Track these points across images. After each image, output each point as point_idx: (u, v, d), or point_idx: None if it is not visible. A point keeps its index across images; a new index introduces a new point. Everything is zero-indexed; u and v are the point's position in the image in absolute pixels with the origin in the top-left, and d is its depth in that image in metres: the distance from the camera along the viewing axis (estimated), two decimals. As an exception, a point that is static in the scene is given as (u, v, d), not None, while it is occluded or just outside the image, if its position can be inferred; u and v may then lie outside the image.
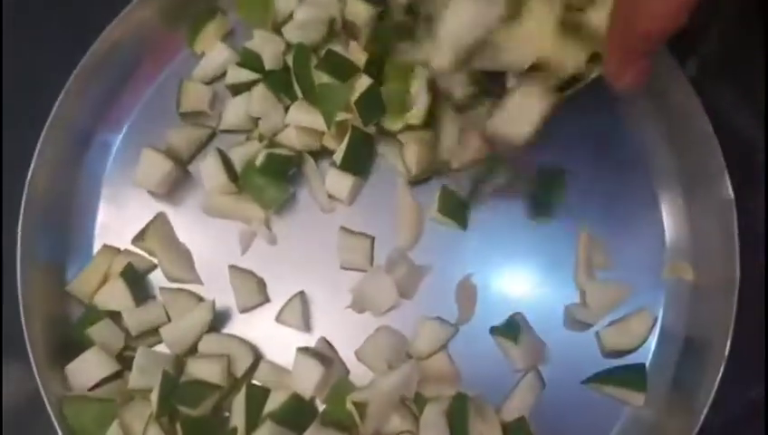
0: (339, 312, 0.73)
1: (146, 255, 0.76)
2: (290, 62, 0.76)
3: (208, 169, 0.75)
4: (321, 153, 0.76)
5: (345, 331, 0.73)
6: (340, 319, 0.73)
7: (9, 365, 0.71)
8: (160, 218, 0.76)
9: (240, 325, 0.74)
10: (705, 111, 0.70)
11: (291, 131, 0.74)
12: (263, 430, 0.66)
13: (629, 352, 0.71)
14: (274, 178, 0.74)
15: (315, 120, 0.74)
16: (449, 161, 0.73)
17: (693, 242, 0.73)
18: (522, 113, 0.60)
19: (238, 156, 0.76)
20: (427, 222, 0.74)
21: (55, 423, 0.67)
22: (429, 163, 0.73)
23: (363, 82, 0.71)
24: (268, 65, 0.76)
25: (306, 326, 0.73)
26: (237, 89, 0.78)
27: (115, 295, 0.71)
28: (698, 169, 0.72)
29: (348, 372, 0.72)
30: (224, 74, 0.78)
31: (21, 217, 0.72)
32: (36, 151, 0.73)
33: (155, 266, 0.75)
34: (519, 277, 0.73)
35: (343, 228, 0.74)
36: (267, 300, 0.74)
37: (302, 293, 0.74)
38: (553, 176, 0.74)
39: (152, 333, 0.72)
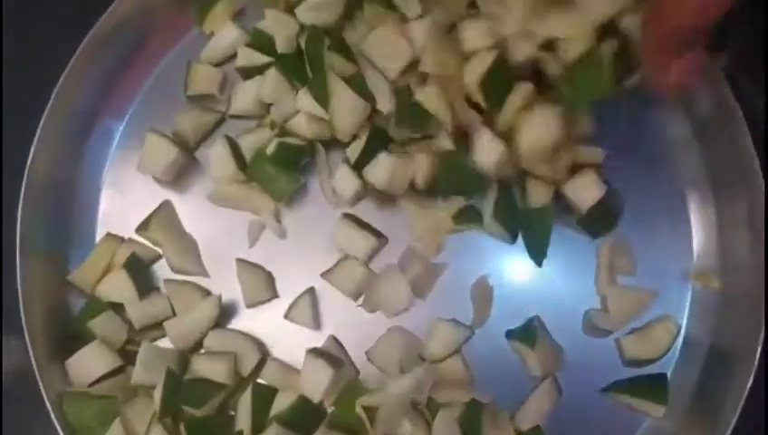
0: (350, 310, 0.71)
1: (150, 244, 0.73)
2: (303, 44, 0.72)
3: (216, 156, 0.72)
4: (335, 143, 0.72)
5: (356, 330, 0.70)
6: (351, 317, 0.70)
7: (9, 338, 0.69)
8: (166, 207, 0.73)
9: (247, 321, 0.71)
10: (739, 110, 0.67)
11: (301, 119, 0.71)
12: (269, 432, 0.64)
13: (651, 361, 0.68)
14: (285, 169, 0.71)
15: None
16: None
17: (720, 248, 0.70)
18: None
19: (248, 143, 0.72)
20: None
21: (54, 420, 0.65)
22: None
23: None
24: (281, 48, 0.72)
25: (315, 324, 0.70)
26: (248, 72, 0.74)
27: (118, 287, 0.69)
28: (730, 173, 0.69)
29: (358, 373, 0.69)
30: (234, 56, 0.75)
31: (20, 203, 0.69)
32: (37, 135, 0.70)
33: (159, 257, 0.73)
34: (537, 279, 0.70)
35: (349, 216, 0.71)
36: (276, 295, 0.71)
37: (311, 289, 0.71)
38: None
39: (156, 327, 0.70)
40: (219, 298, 0.69)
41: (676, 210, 0.71)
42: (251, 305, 0.71)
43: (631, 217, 0.71)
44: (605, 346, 0.69)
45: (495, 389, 0.68)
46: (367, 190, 0.71)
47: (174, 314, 0.70)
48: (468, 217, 0.70)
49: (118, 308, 0.69)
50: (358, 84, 0.68)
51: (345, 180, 0.70)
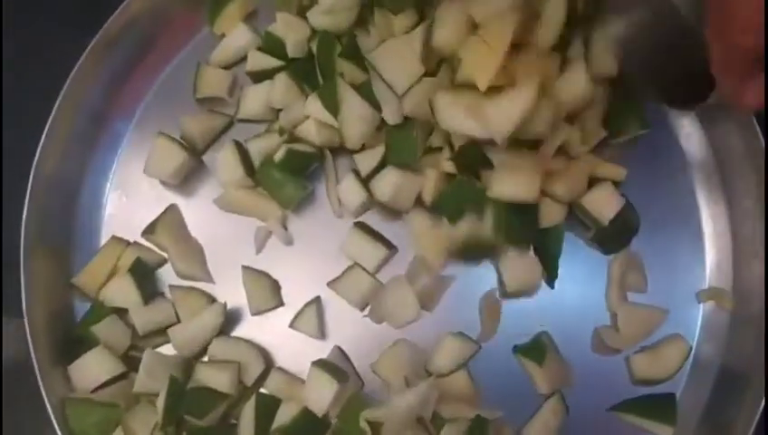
0: (356, 320, 0.70)
1: (156, 249, 0.72)
2: (315, 49, 0.71)
3: (225, 161, 0.71)
4: (344, 151, 0.71)
5: (361, 341, 0.69)
6: (357, 328, 0.70)
7: (9, 323, 0.69)
8: (172, 211, 0.72)
9: (252, 329, 0.70)
10: (757, 127, 0.65)
11: (310, 125, 0.70)
12: (272, 443, 0.63)
13: (661, 381, 0.67)
14: (293, 175, 0.70)
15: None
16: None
17: (734, 268, 0.69)
18: None
19: (256, 149, 0.71)
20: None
21: (56, 426, 0.64)
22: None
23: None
24: (292, 53, 0.71)
25: (321, 334, 0.69)
26: (258, 76, 0.73)
27: (122, 291, 0.68)
28: (746, 194, 0.68)
29: (362, 384, 0.69)
30: (244, 59, 0.74)
31: (26, 203, 0.68)
32: (44, 135, 0.69)
33: (165, 261, 0.72)
34: (547, 294, 0.69)
35: (360, 225, 0.70)
36: (281, 304, 0.71)
37: (317, 298, 0.70)
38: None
39: (160, 334, 0.69)
40: (224, 305, 0.68)
41: (689, 228, 0.70)
42: (256, 313, 0.70)
43: (644, 234, 0.69)
44: (614, 364, 0.68)
45: (501, 405, 0.67)
46: (373, 202, 0.70)
47: (178, 321, 0.69)
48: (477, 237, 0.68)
49: (121, 313, 0.69)
50: (368, 93, 0.67)
51: (351, 191, 0.69)
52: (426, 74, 0.65)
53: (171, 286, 0.70)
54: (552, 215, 0.66)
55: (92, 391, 0.66)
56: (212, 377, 0.66)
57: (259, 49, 0.73)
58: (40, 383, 0.65)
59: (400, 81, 0.64)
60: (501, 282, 0.68)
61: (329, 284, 0.70)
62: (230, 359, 0.67)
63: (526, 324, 0.69)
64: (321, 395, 0.63)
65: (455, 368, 0.67)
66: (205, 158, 0.74)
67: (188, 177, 0.73)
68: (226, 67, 0.75)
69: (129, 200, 0.73)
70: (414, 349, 0.68)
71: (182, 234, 0.72)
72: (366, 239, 0.69)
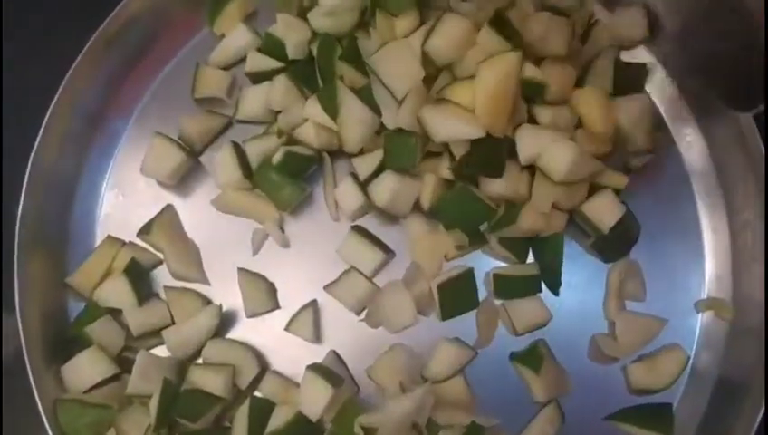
0: (352, 325, 0.69)
1: (151, 249, 0.71)
2: (315, 51, 0.70)
3: (222, 162, 0.70)
4: (343, 154, 0.71)
5: (357, 345, 0.69)
6: (353, 333, 0.69)
7: (8, 320, 0.68)
8: (169, 211, 0.72)
9: (247, 331, 0.70)
10: (758, 136, 0.65)
11: (309, 127, 0.69)
12: (265, 448, 0.63)
13: (658, 391, 0.67)
14: (291, 178, 0.69)
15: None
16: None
17: (733, 279, 0.68)
18: None
19: (254, 150, 0.71)
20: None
21: (47, 426, 0.64)
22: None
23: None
24: (292, 54, 0.71)
25: (316, 338, 0.69)
26: (258, 77, 0.72)
27: (117, 292, 0.68)
28: (746, 204, 0.67)
29: (358, 389, 0.68)
30: (244, 60, 0.73)
31: (22, 201, 0.68)
32: (40, 133, 0.69)
33: (160, 262, 0.71)
34: (544, 301, 0.69)
35: (358, 228, 0.70)
36: (277, 306, 0.70)
37: (314, 301, 0.70)
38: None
39: (154, 335, 0.68)
40: (219, 308, 0.68)
41: (689, 238, 0.70)
42: (251, 316, 0.70)
43: (643, 243, 0.69)
44: (611, 373, 0.68)
45: (497, 412, 0.66)
46: (370, 206, 0.69)
47: (173, 322, 0.69)
48: (474, 242, 0.68)
49: (115, 313, 0.68)
50: (368, 96, 0.67)
51: (349, 194, 0.68)
52: (426, 78, 0.64)
53: (166, 287, 0.70)
54: (552, 222, 0.65)
55: (85, 392, 0.66)
56: (206, 379, 0.65)
57: (259, 50, 0.72)
58: (32, 383, 0.64)
59: (400, 85, 0.64)
60: (512, 325, 0.68)
61: (325, 287, 0.69)
62: (224, 361, 0.67)
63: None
64: (316, 399, 0.63)
65: (451, 374, 0.67)
66: (202, 158, 0.73)
67: (185, 177, 0.72)
68: (226, 68, 0.74)
69: (125, 200, 0.73)
70: (410, 354, 0.68)
71: (178, 234, 0.72)
72: (363, 243, 0.69)
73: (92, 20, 0.70)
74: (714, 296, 0.68)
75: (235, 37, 0.74)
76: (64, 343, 0.68)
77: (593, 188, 0.67)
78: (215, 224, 0.72)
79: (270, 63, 0.72)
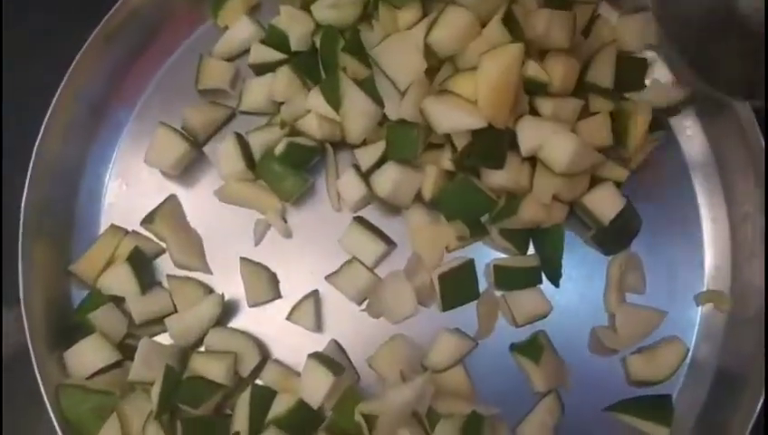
0: (353, 314, 0.70)
1: (154, 238, 0.72)
2: (318, 43, 0.71)
3: (225, 153, 0.71)
4: (346, 145, 0.71)
5: (358, 335, 0.69)
6: (354, 322, 0.69)
7: (9, 313, 0.69)
8: (172, 201, 0.72)
9: (248, 320, 0.70)
10: (758, 129, 0.66)
11: (312, 119, 0.70)
12: (266, 435, 0.63)
13: (657, 382, 0.67)
14: (294, 168, 0.70)
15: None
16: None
17: (732, 271, 0.69)
18: None
19: (257, 141, 0.71)
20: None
21: (50, 412, 0.64)
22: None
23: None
24: (295, 46, 0.71)
25: (318, 327, 0.69)
26: (261, 69, 0.73)
27: (120, 280, 0.68)
28: (746, 197, 0.68)
29: (358, 378, 0.68)
30: (247, 51, 0.74)
31: (26, 189, 0.69)
32: (44, 123, 0.69)
33: (163, 251, 0.72)
34: (545, 293, 0.69)
35: (360, 219, 0.70)
36: (279, 296, 0.70)
37: (315, 291, 0.70)
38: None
39: (156, 323, 0.69)
40: (222, 296, 0.68)
41: (689, 230, 0.70)
42: (253, 305, 0.70)
43: (644, 236, 0.69)
44: (610, 364, 0.68)
45: (497, 402, 0.66)
46: (372, 197, 0.69)
47: (175, 311, 0.69)
48: (474, 233, 0.68)
49: (118, 301, 0.69)
50: (371, 88, 0.67)
51: (351, 185, 0.69)
52: (428, 70, 0.65)
53: (169, 276, 0.70)
54: (553, 214, 0.66)
55: (88, 378, 0.66)
56: (208, 367, 0.65)
57: (262, 42, 0.73)
58: (35, 368, 0.65)
59: (403, 77, 0.64)
60: (512, 316, 0.68)
61: (327, 277, 0.70)
62: (226, 350, 0.67)
63: (523, 323, 0.69)
64: (317, 387, 0.63)
65: (451, 364, 0.67)
66: (206, 149, 0.74)
67: (189, 167, 0.73)
68: (229, 59, 0.75)
69: (128, 189, 0.73)
70: (411, 344, 0.68)
71: (181, 224, 0.72)
72: (365, 234, 0.69)
73: (92, 19, 0.70)
74: (713, 289, 0.69)
75: (239, 29, 0.74)
76: (68, 329, 0.68)
77: (594, 180, 0.67)
78: (217, 214, 0.72)
79: (273, 55, 0.72)
